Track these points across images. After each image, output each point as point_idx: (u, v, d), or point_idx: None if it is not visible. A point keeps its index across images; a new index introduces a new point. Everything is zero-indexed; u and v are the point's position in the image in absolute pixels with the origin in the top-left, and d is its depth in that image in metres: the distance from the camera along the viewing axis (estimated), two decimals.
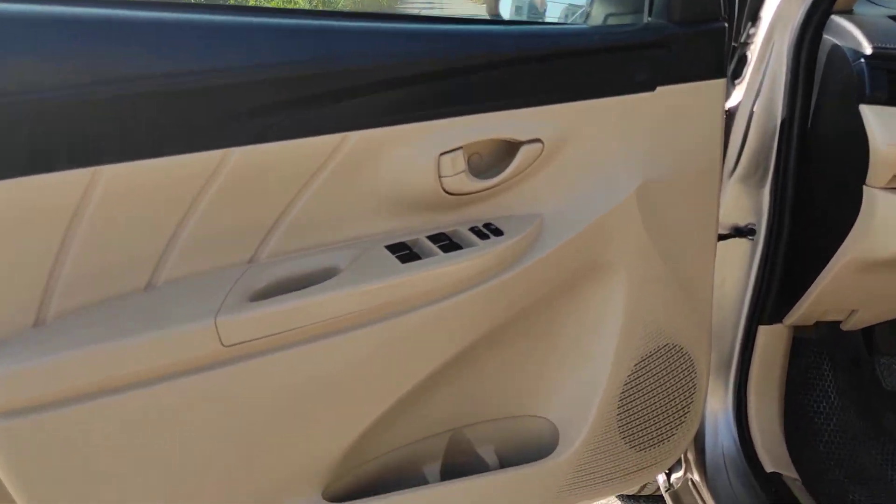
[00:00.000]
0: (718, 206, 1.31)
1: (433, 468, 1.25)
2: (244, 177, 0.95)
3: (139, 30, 0.87)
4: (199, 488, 0.99)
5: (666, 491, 1.66)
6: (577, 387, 1.28)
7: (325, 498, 1.11)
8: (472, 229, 1.12)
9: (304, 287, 1.03)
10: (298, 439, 1.04)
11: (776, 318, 1.55)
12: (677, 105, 1.21)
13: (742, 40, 1.55)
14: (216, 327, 0.92)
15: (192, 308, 0.93)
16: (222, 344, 0.93)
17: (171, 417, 0.93)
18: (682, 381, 1.35)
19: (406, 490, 1.16)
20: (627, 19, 1.24)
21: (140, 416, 0.91)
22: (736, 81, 1.52)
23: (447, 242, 1.10)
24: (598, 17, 1.33)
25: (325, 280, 1.04)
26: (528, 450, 1.32)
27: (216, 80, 0.90)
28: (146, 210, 0.91)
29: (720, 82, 1.25)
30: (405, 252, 1.08)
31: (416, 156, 1.05)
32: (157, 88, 0.87)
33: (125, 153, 0.87)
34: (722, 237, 1.53)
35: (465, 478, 1.20)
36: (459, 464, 1.28)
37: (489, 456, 1.28)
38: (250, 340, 0.94)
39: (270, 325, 0.95)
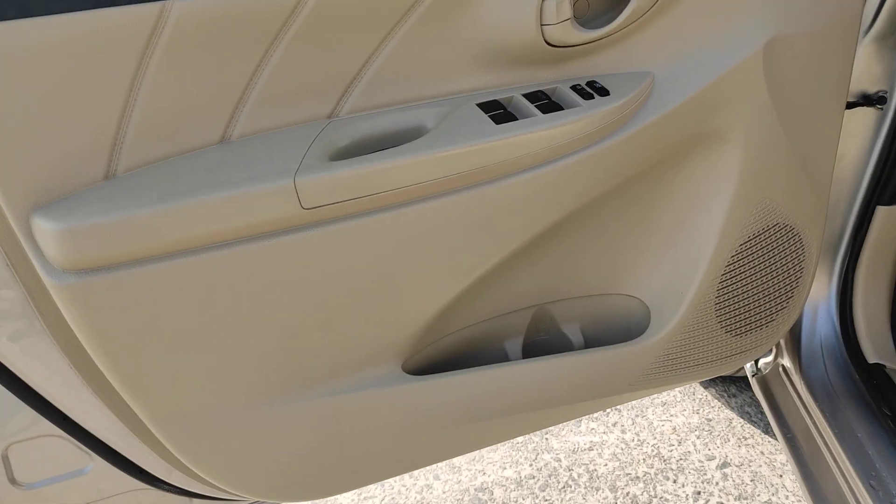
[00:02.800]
0: (852, 67, 1.14)
1: (515, 344, 1.19)
2: (327, 15, 0.84)
3: None
4: (275, 356, 0.94)
5: (752, 375, 1.58)
6: (676, 265, 1.18)
7: (406, 370, 1.06)
8: (575, 87, 0.99)
9: (388, 147, 0.94)
10: (380, 309, 0.98)
11: None
12: None
13: None
14: (295, 188, 0.84)
15: (269, 166, 0.84)
16: (302, 206, 0.85)
17: (247, 282, 0.87)
18: (790, 263, 1.23)
19: (487, 366, 1.10)
20: None
21: (215, 278, 0.85)
22: None
23: (546, 101, 0.98)
24: None
25: (411, 140, 0.94)
26: (616, 330, 1.24)
27: None
28: (220, 52, 0.81)
29: None
30: (499, 111, 0.96)
31: None
32: None
33: None
34: (849, 105, 1.36)
35: (549, 356, 1.14)
36: (543, 341, 1.22)
37: (574, 334, 1.21)
38: (331, 204, 0.86)
39: (353, 189, 0.87)
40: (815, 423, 1.39)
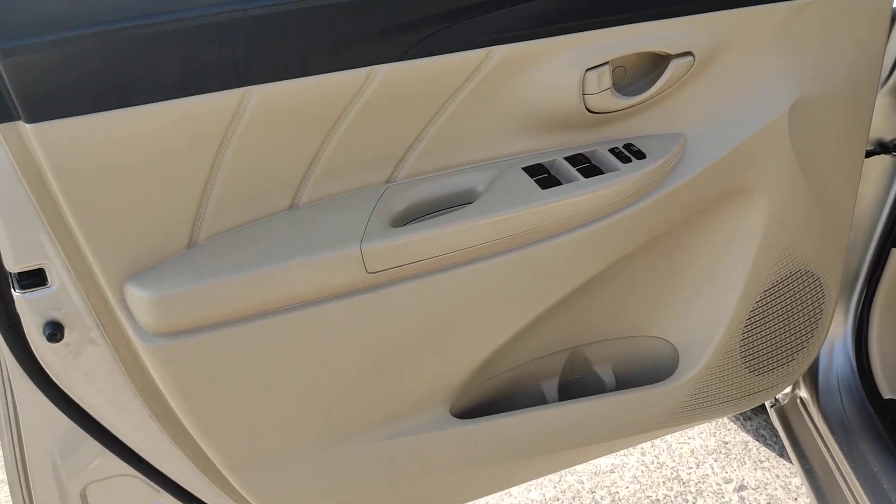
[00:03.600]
0: (870, 123, 1.21)
1: (551, 385, 1.26)
2: (388, 95, 0.91)
3: None
4: (339, 404, 1.02)
5: (771, 406, 1.65)
6: (703, 311, 1.25)
7: (452, 413, 1.13)
8: (613, 150, 1.06)
9: (442, 209, 1.01)
10: (432, 360, 1.05)
11: None
12: (841, 11, 1.10)
13: None
14: (361, 255, 0.91)
15: (336, 233, 0.91)
16: (367, 271, 0.92)
17: (316, 340, 0.94)
18: (810, 306, 1.30)
19: (528, 409, 1.17)
20: None
21: (288, 338, 0.93)
22: None
23: (587, 165, 1.05)
24: None
25: (463, 202, 1.01)
26: (646, 370, 1.31)
27: None
28: (292, 129, 0.88)
29: None
30: (544, 175, 1.03)
31: (560, 72, 0.98)
32: (305, 4, 0.82)
33: (274, 72, 0.83)
34: (867, 154, 1.43)
35: (584, 398, 1.21)
36: (577, 381, 1.28)
37: (606, 374, 1.28)
38: (393, 268, 0.93)
39: (412, 253, 0.94)
40: (832, 456, 1.46)
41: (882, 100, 1.42)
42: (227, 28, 0.79)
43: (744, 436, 2.06)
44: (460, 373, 1.08)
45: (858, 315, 1.53)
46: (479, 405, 1.20)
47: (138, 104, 0.79)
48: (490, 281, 1.01)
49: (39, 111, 0.75)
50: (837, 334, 1.56)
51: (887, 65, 1.40)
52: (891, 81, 1.41)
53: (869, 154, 1.42)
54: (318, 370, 0.97)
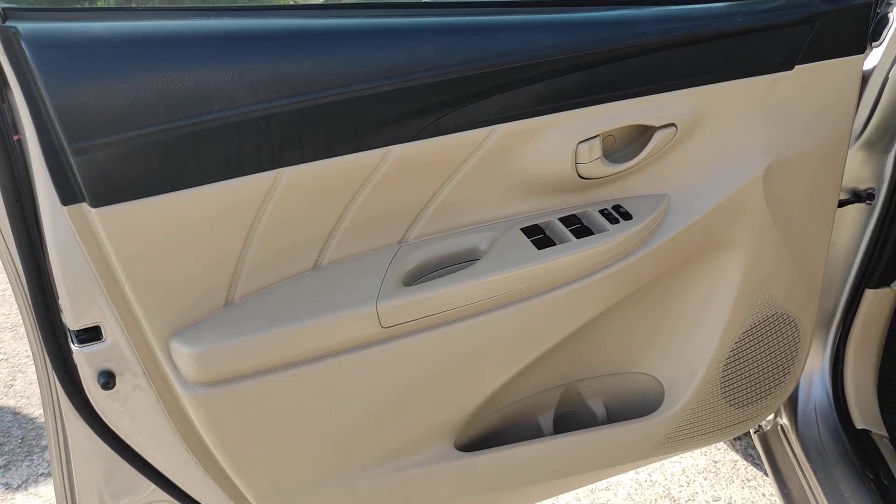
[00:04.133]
0: (842, 179, 1.33)
1: (547, 418, 1.38)
2: (401, 170, 1.02)
3: (314, 46, 0.93)
4: (357, 442, 1.14)
5: (755, 432, 1.76)
6: (687, 351, 1.36)
7: (456, 446, 1.25)
8: (602, 212, 1.18)
9: (448, 266, 1.13)
10: (438, 402, 1.17)
11: (885, 282, 1.58)
12: (813, 83, 1.21)
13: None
14: (377, 312, 1.03)
15: (354, 293, 1.03)
16: (381, 326, 1.04)
17: (335, 387, 1.06)
18: (786, 345, 1.41)
19: (526, 442, 1.29)
20: None
21: (311, 386, 1.05)
22: (873, 44, 1.47)
23: (579, 226, 1.16)
24: None
25: (467, 261, 1.13)
26: (634, 404, 1.42)
27: (382, 87, 0.96)
28: (317, 201, 1.00)
29: (859, 58, 1.23)
30: (539, 236, 1.15)
31: (555, 145, 1.10)
32: (333, 98, 0.93)
33: (304, 156, 0.95)
34: (841, 203, 1.54)
35: (577, 431, 1.32)
36: (571, 414, 1.40)
37: (598, 408, 1.40)
38: (405, 323, 1.05)
39: (423, 309, 1.06)
40: (807, 481, 1.57)
41: (856, 153, 1.53)
42: (262, 122, 0.91)
43: (733, 455, 2.18)
44: (463, 412, 1.20)
45: (835, 350, 1.64)
46: (481, 437, 1.32)
47: (185, 188, 0.91)
48: (492, 331, 1.13)
49: (103, 197, 0.87)
50: (816, 368, 1.67)
51: (860, 120, 1.51)
52: (864, 137, 1.52)
53: (843, 203, 1.53)
54: (337, 413, 1.09)
